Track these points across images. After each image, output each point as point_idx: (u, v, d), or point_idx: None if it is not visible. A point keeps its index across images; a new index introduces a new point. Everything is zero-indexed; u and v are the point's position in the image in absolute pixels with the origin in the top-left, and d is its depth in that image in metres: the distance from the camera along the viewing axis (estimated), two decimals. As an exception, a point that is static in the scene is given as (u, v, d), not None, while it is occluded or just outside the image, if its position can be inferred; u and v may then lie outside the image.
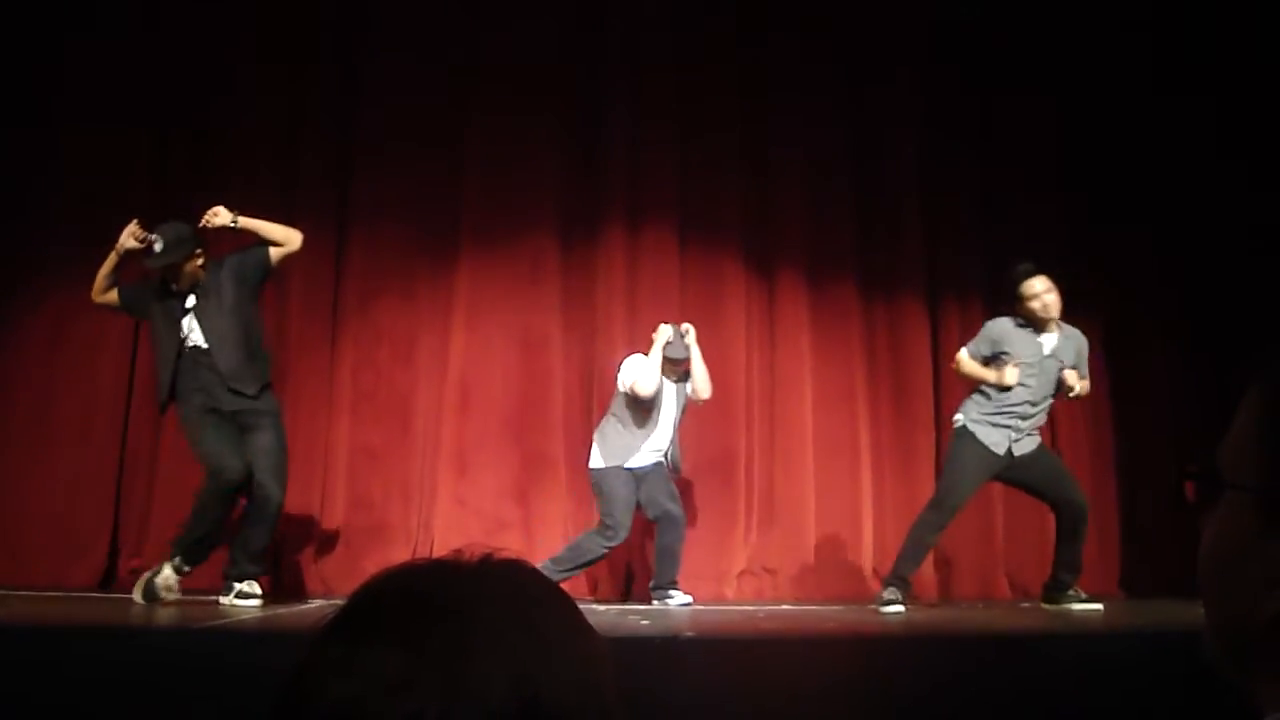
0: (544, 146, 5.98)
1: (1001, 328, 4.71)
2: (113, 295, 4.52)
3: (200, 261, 4.45)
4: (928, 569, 5.84)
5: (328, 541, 5.60)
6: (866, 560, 5.81)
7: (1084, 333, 4.82)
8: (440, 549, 5.48)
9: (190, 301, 4.44)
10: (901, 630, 3.93)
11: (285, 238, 4.55)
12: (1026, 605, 5.18)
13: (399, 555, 5.44)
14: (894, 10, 6.34)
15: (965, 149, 6.31)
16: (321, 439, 5.71)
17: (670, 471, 5.13)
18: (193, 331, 4.44)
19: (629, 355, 5.14)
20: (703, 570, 5.55)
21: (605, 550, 4.95)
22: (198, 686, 2.50)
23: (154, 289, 4.54)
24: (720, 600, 5.46)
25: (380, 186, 5.91)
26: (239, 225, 4.48)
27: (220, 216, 4.45)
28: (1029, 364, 4.61)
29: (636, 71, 6.10)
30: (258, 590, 4.31)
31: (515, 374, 5.77)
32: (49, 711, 2.44)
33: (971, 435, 4.60)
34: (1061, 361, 4.66)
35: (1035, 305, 4.62)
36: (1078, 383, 4.63)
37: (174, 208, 4.99)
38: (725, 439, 5.85)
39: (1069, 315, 4.55)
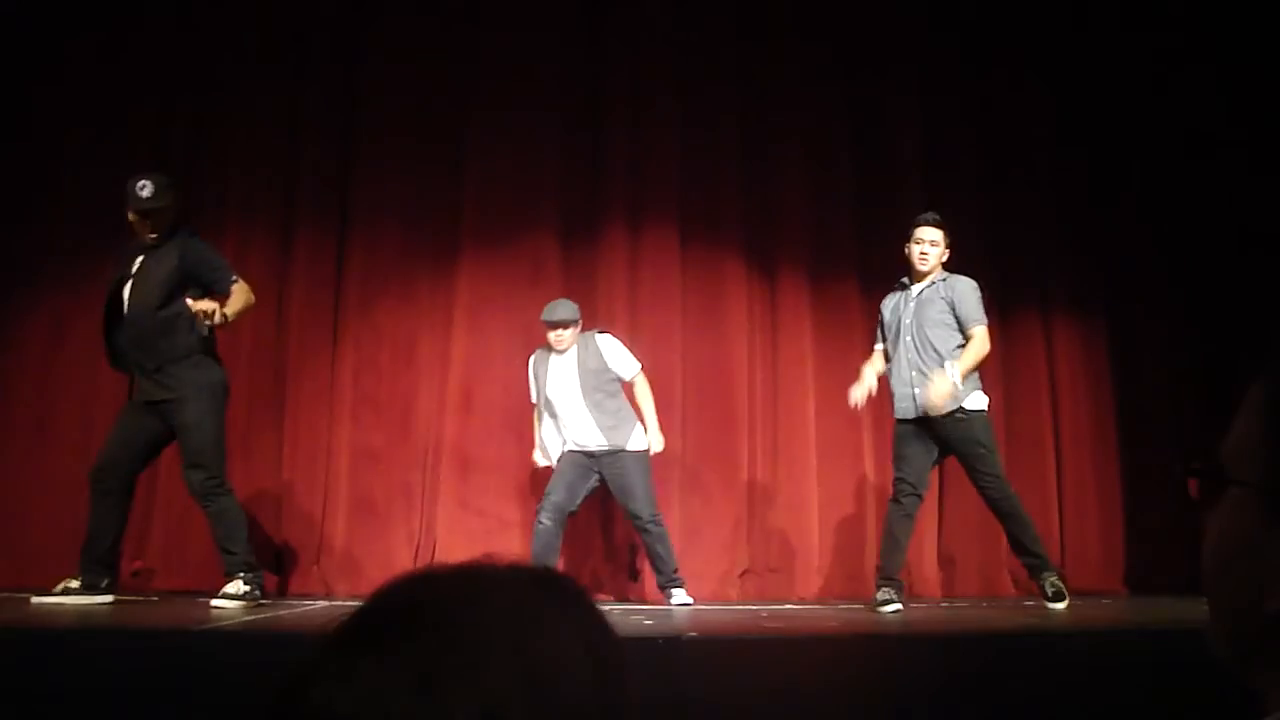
0: (544, 146, 5.98)
1: (886, 299, 4.82)
2: None
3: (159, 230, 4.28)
4: (931, 567, 5.84)
5: (330, 543, 5.59)
6: (870, 559, 5.78)
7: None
8: (442, 550, 5.48)
9: (134, 266, 4.30)
10: (904, 629, 3.93)
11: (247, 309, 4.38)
12: (1030, 603, 5.18)
13: (401, 557, 5.45)
14: (893, 7, 6.33)
15: (966, 147, 6.30)
16: (323, 441, 5.71)
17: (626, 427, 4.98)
18: (125, 304, 4.31)
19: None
20: (706, 570, 5.55)
21: (540, 522, 4.83)
22: (198, 687, 2.50)
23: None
24: (724, 600, 5.45)
25: (380, 186, 5.91)
26: (231, 319, 4.22)
27: (216, 317, 4.11)
28: (892, 329, 4.68)
29: (636, 71, 6.10)
30: (238, 590, 4.23)
31: (516, 374, 5.75)
32: (49, 712, 2.44)
33: (897, 420, 4.68)
34: (921, 320, 4.58)
35: (913, 250, 4.63)
36: (935, 399, 4.41)
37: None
38: (728, 438, 5.85)
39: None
